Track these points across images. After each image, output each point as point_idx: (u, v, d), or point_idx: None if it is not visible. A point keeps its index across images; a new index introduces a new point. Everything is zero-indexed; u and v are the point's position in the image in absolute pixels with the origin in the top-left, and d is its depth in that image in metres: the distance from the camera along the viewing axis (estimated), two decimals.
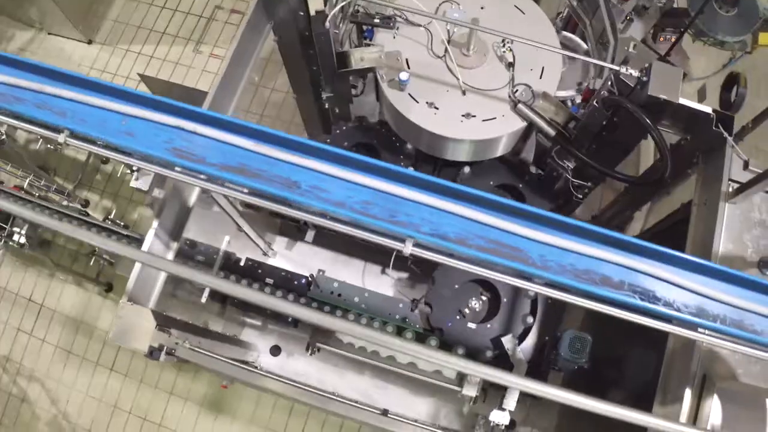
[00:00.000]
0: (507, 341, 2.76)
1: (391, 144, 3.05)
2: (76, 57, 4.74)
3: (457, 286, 2.87)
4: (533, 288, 1.36)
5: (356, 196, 1.40)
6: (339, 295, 2.89)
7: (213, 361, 1.89)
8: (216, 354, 1.98)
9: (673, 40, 3.23)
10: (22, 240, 3.20)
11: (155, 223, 2.05)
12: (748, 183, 1.91)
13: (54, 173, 4.31)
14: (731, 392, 1.80)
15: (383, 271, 3.41)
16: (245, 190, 1.46)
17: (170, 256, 2.15)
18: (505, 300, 2.84)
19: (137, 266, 1.90)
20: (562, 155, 2.83)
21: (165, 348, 1.83)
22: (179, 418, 4.03)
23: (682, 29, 3.29)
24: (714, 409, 1.76)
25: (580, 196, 2.93)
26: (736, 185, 2.01)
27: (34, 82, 1.54)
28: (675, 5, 3.70)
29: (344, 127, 3.14)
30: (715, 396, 1.79)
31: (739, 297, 1.34)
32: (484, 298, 2.92)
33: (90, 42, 4.83)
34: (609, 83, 2.31)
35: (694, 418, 1.81)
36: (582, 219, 3.52)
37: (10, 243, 3.18)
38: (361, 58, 2.74)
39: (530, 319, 2.82)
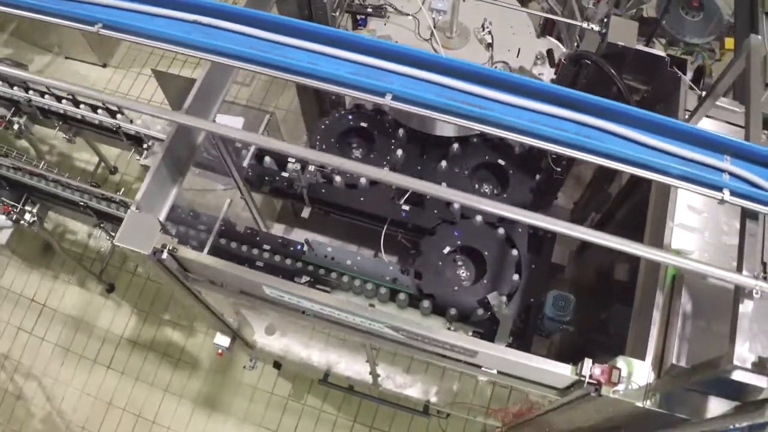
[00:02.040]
0: (493, 298, 2.87)
1: (384, 129, 3.26)
2: (91, 78, 5.08)
3: (445, 256, 3.01)
4: (502, 135, 1.53)
5: (342, 69, 1.61)
6: (332, 258, 3.02)
7: (216, 261, 2.01)
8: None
9: None
10: (33, 219, 3.35)
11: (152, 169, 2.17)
12: (697, 106, 2.12)
13: None
14: (699, 288, 1.91)
15: (375, 255, 3.56)
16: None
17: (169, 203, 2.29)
18: (490, 264, 2.97)
19: (149, 177, 2.07)
20: None
21: (168, 247, 1.97)
22: (173, 416, 4.03)
23: (650, 36, 3.61)
24: (684, 299, 1.88)
25: (559, 169, 3.13)
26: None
27: None
28: (645, 14, 4.06)
29: (339, 113, 3.37)
30: (684, 290, 1.91)
31: (688, 150, 1.52)
32: (470, 265, 3.05)
33: (105, 65, 5.20)
34: (575, 44, 2.58)
35: (668, 315, 1.92)
36: (564, 208, 3.74)
37: (22, 222, 3.34)
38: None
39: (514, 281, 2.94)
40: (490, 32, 3.04)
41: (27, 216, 3.35)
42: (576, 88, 2.68)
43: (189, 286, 2.24)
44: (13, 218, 3.30)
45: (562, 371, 1.83)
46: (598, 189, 3.38)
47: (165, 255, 1.95)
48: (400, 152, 3.12)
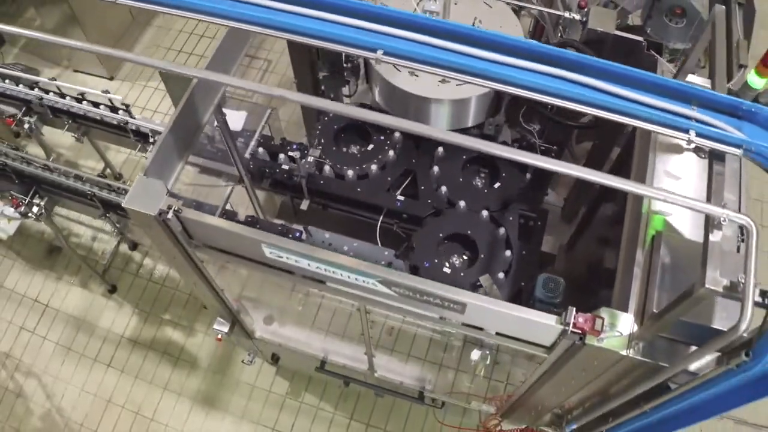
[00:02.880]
0: (484, 280, 2.96)
1: (380, 126, 3.40)
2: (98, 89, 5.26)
3: (439, 242, 3.11)
4: (486, 85, 1.66)
5: (339, 32, 1.75)
6: (330, 244, 3.12)
7: (218, 220, 2.11)
8: None
9: None
10: (41, 212, 3.46)
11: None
12: None
13: None
14: (676, 244, 2.01)
15: None
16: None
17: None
18: (482, 249, 3.07)
19: (157, 145, 2.18)
20: (528, 118, 3.20)
21: (173, 208, 2.08)
22: (171, 413, 4.06)
23: None
24: (663, 253, 1.98)
25: None
26: None
27: None
28: (630, 23, 4.24)
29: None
30: (662, 246, 2.01)
31: (658, 100, 1.64)
32: (463, 251, 3.15)
33: (112, 78, 5.40)
34: (560, 35, 2.74)
35: (648, 271, 2.01)
36: (556, 205, 3.85)
37: (30, 214, 3.45)
38: None
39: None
40: None
41: (35, 209, 3.47)
42: None
43: (191, 253, 2.33)
44: (21, 210, 3.41)
45: (547, 321, 1.91)
46: (586, 183, 3.49)
47: (170, 215, 2.05)
48: (396, 145, 3.25)
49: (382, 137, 3.31)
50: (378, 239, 3.43)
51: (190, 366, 4.21)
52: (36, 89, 3.57)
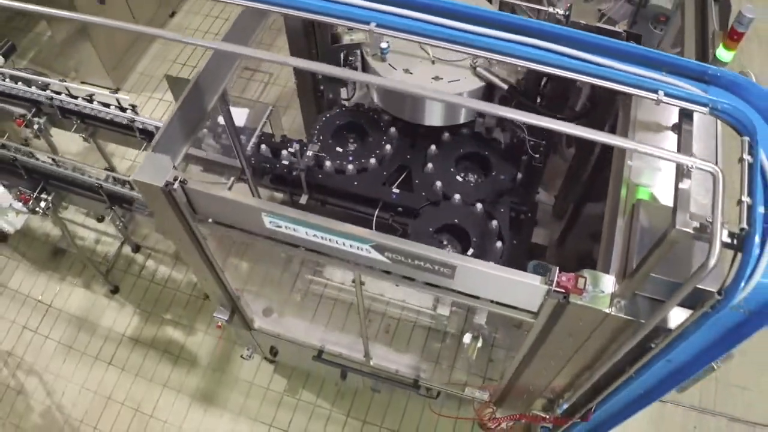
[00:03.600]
0: None
1: (377, 125, 3.54)
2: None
3: (432, 233, 3.22)
4: (472, 53, 1.79)
5: (335, 6, 1.90)
6: None
7: (221, 192, 2.23)
8: None
9: None
10: (48, 207, 3.57)
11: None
12: None
13: None
14: (653, 212, 2.12)
15: None
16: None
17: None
18: (474, 240, 3.18)
19: (165, 124, 2.31)
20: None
21: (179, 179, 2.19)
22: (170, 410, 4.11)
23: None
24: (642, 218, 2.09)
25: (537, 155, 3.38)
26: None
27: None
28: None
29: (335, 111, 3.66)
30: (641, 212, 2.12)
31: (631, 66, 1.78)
32: (457, 241, 3.25)
33: (118, 89, 5.57)
34: None
35: (629, 235, 2.12)
36: (546, 203, 3.97)
37: (37, 209, 3.56)
38: (350, 38, 3.37)
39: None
40: None
41: (42, 204, 3.58)
42: (548, 79, 2.97)
43: (194, 229, 2.43)
44: (29, 205, 3.52)
45: (532, 281, 2.02)
46: (575, 178, 3.62)
47: (176, 186, 2.17)
48: (392, 142, 3.39)
49: (379, 134, 3.44)
50: (373, 229, 3.54)
51: (189, 364, 4.27)
52: (48, 90, 3.73)
